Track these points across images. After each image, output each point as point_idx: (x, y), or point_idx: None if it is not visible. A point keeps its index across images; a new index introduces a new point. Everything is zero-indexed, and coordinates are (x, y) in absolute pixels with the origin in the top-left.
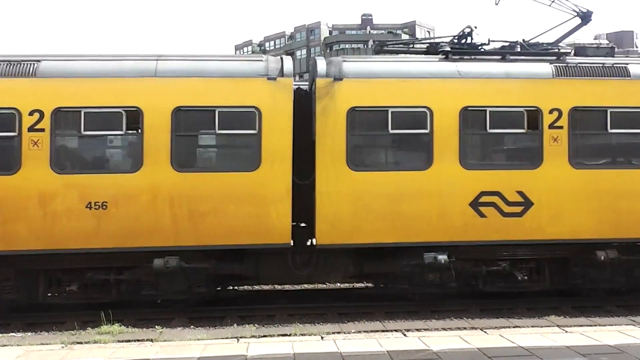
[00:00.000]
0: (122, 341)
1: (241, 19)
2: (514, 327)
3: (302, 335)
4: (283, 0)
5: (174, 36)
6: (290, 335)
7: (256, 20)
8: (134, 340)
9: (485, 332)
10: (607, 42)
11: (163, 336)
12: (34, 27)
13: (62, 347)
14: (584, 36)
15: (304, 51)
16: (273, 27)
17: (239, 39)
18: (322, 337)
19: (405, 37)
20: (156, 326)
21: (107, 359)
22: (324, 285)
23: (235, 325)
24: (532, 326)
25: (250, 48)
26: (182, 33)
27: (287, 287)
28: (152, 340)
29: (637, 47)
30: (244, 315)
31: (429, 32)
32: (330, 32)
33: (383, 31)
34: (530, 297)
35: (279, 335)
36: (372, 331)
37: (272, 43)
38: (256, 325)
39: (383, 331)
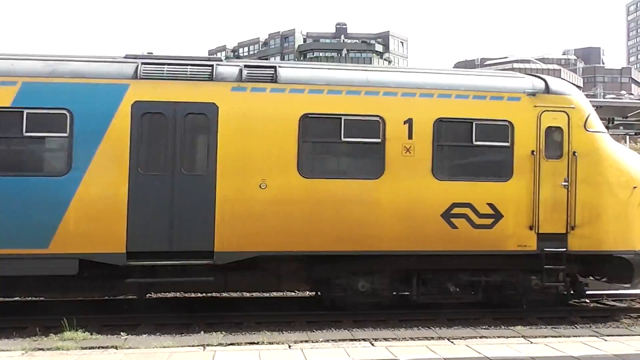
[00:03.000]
0: (86, 348)
1: (215, 24)
2: (480, 337)
3: (269, 343)
4: (258, 7)
5: (145, 39)
6: (257, 343)
7: (230, 26)
8: (98, 347)
9: (452, 342)
10: (575, 57)
11: (128, 343)
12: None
13: (23, 354)
14: (552, 51)
15: (278, 58)
16: (247, 33)
17: (213, 43)
18: (289, 346)
19: (379, 47)
20: (121, 332)
21: None
22: (293, 294)
23: (202, 332)
24: (498, 336)
25: (224, 53)
26: (157, 36)
27: (255, 294)
28: (116, 347)
29: (603, 63)
30: (211, 322)
31: (402, 42)
32: (304, 40)
33: (357, 40)
34: (496, 308)
35: (246, 343)
36: (340, 340)
37: (246, 49)
38: (223, 332)
39: (351, 340)
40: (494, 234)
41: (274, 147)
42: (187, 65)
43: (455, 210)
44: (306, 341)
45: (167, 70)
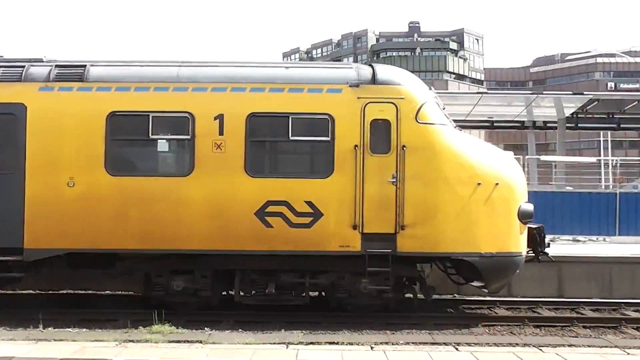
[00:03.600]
0: (172, 341)
1: (289, 27)
2: (569, 345)
3: (349, 344)
4: (330, 8)
5: (222, 43)
6: (337, 343)
7: (304, 28)
8: (184, 342)
9: (541, 349)
10: None
11: (212, 338)
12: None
13: (117, 345)
14: None
15: (351, 59)
16: (320, 35)
17: (287, 46)
18: (371, 347)
19: (453, 45)
20: (205, 328)
21: (161, 357)
22: None
23: (282, 330)
24: (589, 345)
25: (297, 56)
26: (229, 40)
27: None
28: (201, 342)
29: None
30: (290, 321)
31: (477, 39)
32: (377, 40)
33: (430, 39)
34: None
35: (326, 342)
36: (421, 343)
37: (319, 50)
38: (303, 331)
39: (432, 344)
40: (313, 234)
41: (81, 145)
42: (5, 67)
43: (271, 209)
44: (386, 343)
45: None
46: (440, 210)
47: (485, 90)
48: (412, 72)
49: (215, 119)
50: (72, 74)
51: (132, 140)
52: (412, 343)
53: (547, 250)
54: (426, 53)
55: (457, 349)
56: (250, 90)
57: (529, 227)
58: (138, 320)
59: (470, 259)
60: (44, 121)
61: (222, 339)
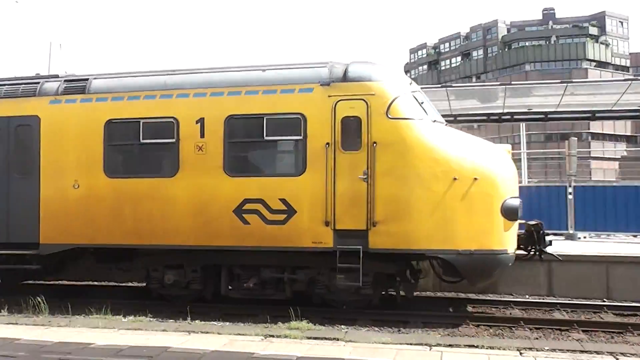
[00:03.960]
0: (311, 338)
1: (416, 22)
2: None
3: (489, 347)
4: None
5: (346, 41)
6: (477, 346)
7: (431, 23)
8: (322, 338)
9: None
10: None
11: (348, 336)
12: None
13: (262, 340)
14: None
15: (481, 51)
16: (448, 29)
17: (414, 42)
18: (520, 353)
19: (593, 30)
20: (341, 325)
21: (305, 354)
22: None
23: (419, 330)
24: None
25: (424, 51)
26: (355, 38)
27: (471, 295)
28: (338, 339)
29: None
30: (426, 321)
31: (621, 22)
32: (508, 30)
33: (567, 25)
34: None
35: (465, 345)
36: (569, 350)
37: (447, 45)
38: (440, 332)
39: (582, 352)
40: (287, 230)
41: (84, 150)
42: (19, 84)
43: (247, 206)
44: (530, 348)
45: (4, 91)
46: (412, 207)
47: (633, 77)
48: (548, 61)
49: (197, 122)
50: (76, 87)
51: (126, 145)
52: (560, 350)
53: (548, 248)
54: (562, 41)
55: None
56: (227, 94)
57: (527, 224)
58: (276, 316)
59: (446, 257)
60: (53, 130)
61: (359, 337)
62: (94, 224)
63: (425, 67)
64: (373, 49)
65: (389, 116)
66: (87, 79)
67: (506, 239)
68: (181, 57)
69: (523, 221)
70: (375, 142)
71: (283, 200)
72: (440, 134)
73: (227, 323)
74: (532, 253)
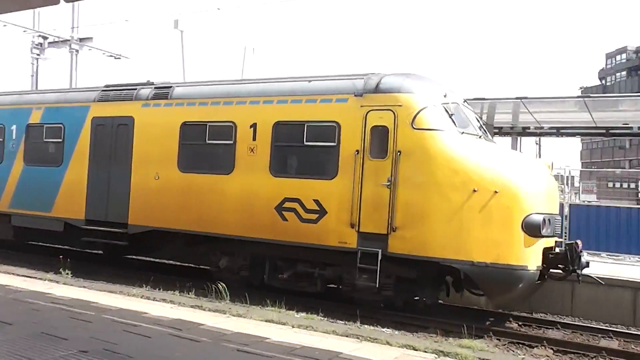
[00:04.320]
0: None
1: (614, 26)
2: None
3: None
4: None
5: (535, 47)
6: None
7: (633, 26)
8: None
9: None
10: None
11: None
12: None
13: (435, 358)
14: None
15: None
16: None
17: (612, 45)
18: None
19: None
20: (517, 351)
21: None
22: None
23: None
24: None
25: (624, 55)
26: (545, 44)
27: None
28: None
29: None
30: (445, 328)
31: None
32: None
33: None
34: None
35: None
36: None
37: None
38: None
39: None
40: (318, 229)
41: (164, 148)
42: (123, 90)
43: (286, 204)
44: None
45: (111, 95)
46: (429, 214)
47: None
48: None
49: (250, 127)
50: (162, 94)
51: (195, 144)
52: None
53: (585, 269)
54: None
55: None
56: (276, 102)
57: (566, 243)
58: (447, 331)
59: (460, 267)
60: (143, 129)
61: None
62: (168, 211)
63: (624, 73)
64: (569, 53)
65: (414, 127)
66: (170, 87)
67: (526, 255)
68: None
69: (560, 239)
70: (399, 151)
71: (316, 201)
72: (465, 146)
73: (396, 332)
74: (565, 273)
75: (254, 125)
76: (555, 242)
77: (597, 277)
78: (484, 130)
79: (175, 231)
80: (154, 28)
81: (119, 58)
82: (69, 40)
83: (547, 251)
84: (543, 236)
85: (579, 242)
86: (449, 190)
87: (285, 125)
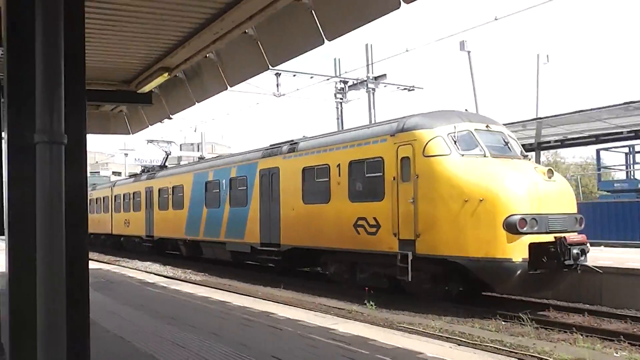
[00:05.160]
0: None
1: None
2: None
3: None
4: None
5: None
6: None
7: None
8: None
9: None
10: None
11: None
12: None
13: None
14: None
15: None
16: None
17: None
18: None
19: None
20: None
21: None
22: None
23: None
24: None
25: None
26: None
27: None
28: None
29: None
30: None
31: None
32: None
33: None
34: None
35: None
36: None
37: None
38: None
39: None
40: (377, 239)
41: (295, 187)
42: (273, 149)
43: (359, 222)
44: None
45: (267, 153)
46: (438, 222)
47: None
48: None
49: (337, 166)
50: (292, 148)
51: (309, 183)
52: None
53: (579, 261)
54: None
55: None
56: (349, 146)
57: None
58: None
59: (461, 262)
60: (284, 175)
61: None
62: (300, 233)
63: None
64: None
65: (424, 155)
66: (297, 143)
67: (509, 249)
68: None
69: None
70: (417, 175)
71: (374, 218)
72: (462, 166)
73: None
74: (557, 264)
75: (338, 165)
76: (558, 237)
77: (594, 267)
78: (507, 148)
79: (305, 247)
80: (440, 54)
81: (412, 90)
82: (365, 80)
83: (533, 245)
84: (525, 233)
85: (567, 236)
86: (449, 202)
87: (355, 163)
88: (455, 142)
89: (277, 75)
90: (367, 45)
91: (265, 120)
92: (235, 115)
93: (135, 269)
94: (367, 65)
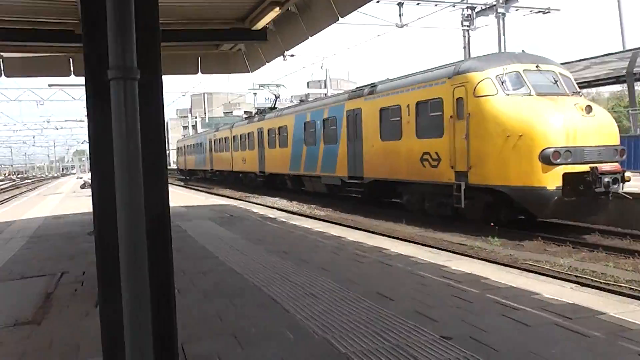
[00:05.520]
0: None
1: None
2: None
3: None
4: None
5: None
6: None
7: None
8: None
9: None
10: None
11: None
12: None
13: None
14: None
15: None
16: None
17: None
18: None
19: None
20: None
21: None
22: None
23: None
24: None
25: None
26: None
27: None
28: None
29: None
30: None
31: None
32: None
33: None
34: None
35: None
36: None
37: None
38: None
39: None
40: (438, 171)
41: (374, 126)
42: (357, 91)
43: (424, 157)
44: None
45: (352, 95)
46: (486, 155)
47: None
48: None
49: (406, 106)
50: (371, 91)
51: (385, 122)
52: None
53: (611, 189)
54: None
55: None
56: (416, 88)
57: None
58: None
59: (504, 190)
60: (365, 115)
61: None
62: (380, 167)
63: None
64: None
65: (475, 95)
66: (376, 85)
67: (544, 178)
68: None
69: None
70: (469, 114)
71: (436, 153)
72: (507, 105)
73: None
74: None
75: (408, 105)
76: (592, 167)
77: (623, 193)
78: (556, 86)
79: (383, 179)
80: None
81: (548, 12)
82: (494, 5)
83: (567, 175)
84: (559, 164)
85: (599, 166)
86: (494, 138)
87: (421, 103)
88: (502, 82)
89: (400, 5)
90: None
91: (390, 53)
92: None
93: (262, 204)
94: None
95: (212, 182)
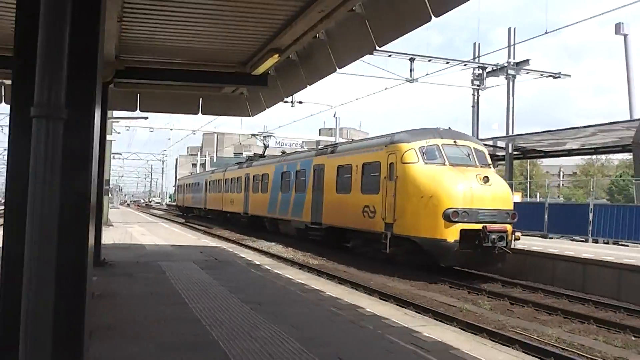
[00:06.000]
0: None
1: None
2: None
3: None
4: None
5: None
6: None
7: None
8: None
9: None
10: None
11: None
12: None
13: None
14: None
15: None
16: None
17: None
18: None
19: None
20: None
21: None
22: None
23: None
24: None
25: None
26: None
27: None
28: None
29: None
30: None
31: None
32: None
33: None
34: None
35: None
36: None
37: None
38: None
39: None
40: (374, 222)
41: (332, 179)
42: (323, 149)
43: (365, 209)
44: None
45: (318, 152)
46: (406, 211)
47: None
48: None
49: (356, 166)
50: (332, 150)
51: (340, 177)
52: None
53: (497, 244)
54: None
55: None
56: (363, 152)
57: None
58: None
59: (417, 240)
60: (327, 170)
61: None
62: (335, 215)
63: None
64: None
65: (402, 162)
66: (337, 145)
67: (446, 232)
68: None
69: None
70: (397, 176)
71: (373, 206)
72: (424, 171)
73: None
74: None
75: (357, 165)
76: (482, 227)
77: (506, 249)
78: (468, 158)
79: (337, 226)
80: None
81: (559, 77)
82: (505, 66)
83: (463, 230)
84: (457, 222)
85: (489, 225)
86: (413, 197)
87: (366, 165)
88: (424, 153)
89: (412, 60)
90: (509, 28)
91: (401, 105)
92: (371, 100)
93: (255, 248)
94: (508, 48)
95: (212, 222)
